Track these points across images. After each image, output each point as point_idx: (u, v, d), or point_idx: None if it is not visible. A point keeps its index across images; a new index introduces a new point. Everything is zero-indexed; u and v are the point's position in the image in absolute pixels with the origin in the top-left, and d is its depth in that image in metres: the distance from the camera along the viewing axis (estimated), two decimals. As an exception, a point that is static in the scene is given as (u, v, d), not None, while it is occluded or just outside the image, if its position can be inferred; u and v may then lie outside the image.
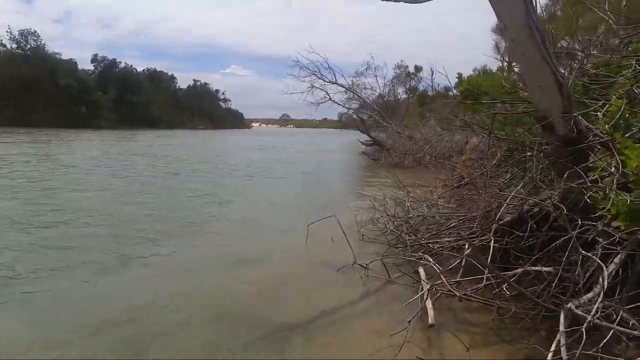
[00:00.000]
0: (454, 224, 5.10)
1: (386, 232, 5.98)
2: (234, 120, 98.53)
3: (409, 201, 6.63)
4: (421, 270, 4.22)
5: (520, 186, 4.50)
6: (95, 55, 69.09)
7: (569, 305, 2.74)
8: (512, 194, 4.22)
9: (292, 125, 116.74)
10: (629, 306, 2.79)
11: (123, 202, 8.50)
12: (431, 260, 4.38)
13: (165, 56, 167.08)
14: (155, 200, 8.81)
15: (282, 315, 3.55)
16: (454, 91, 25.25)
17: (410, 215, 5.88)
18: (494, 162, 4.73)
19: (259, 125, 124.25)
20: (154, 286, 4.21)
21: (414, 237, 5.26)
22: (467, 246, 4.54)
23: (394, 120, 23.15)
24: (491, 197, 4.66)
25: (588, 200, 3.40)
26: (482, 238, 4.28)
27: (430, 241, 4.96)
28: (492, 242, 4.05)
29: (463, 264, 4.27)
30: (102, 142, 29.02)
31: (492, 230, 4.16)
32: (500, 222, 4.32)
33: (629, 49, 4.83)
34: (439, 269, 4.10)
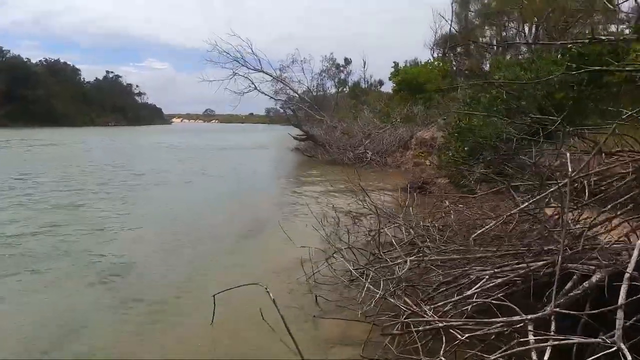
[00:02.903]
0: (487, 276, 2.80)
1: (351, 284, 3.59)
2: (152, 115, 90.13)
3: (382, 224, 4.15)
4: None
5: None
6: (-27, 42, 58.61)
7: None
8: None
9: (216, 121, 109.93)
10: None
11: None
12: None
13: (71, 48, 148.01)
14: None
15: None
16: (390, 81, 23.60)
17: (393, 256, 3.50)
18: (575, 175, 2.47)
19: (181, 120, 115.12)
20: None
21: (409, 304, 2.89)
22: (530, 333, 2.29)
23: (326, 114, 20.88)
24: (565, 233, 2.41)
25: None
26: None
27: (450, 322, 2.60)
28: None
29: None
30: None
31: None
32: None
33: None
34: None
